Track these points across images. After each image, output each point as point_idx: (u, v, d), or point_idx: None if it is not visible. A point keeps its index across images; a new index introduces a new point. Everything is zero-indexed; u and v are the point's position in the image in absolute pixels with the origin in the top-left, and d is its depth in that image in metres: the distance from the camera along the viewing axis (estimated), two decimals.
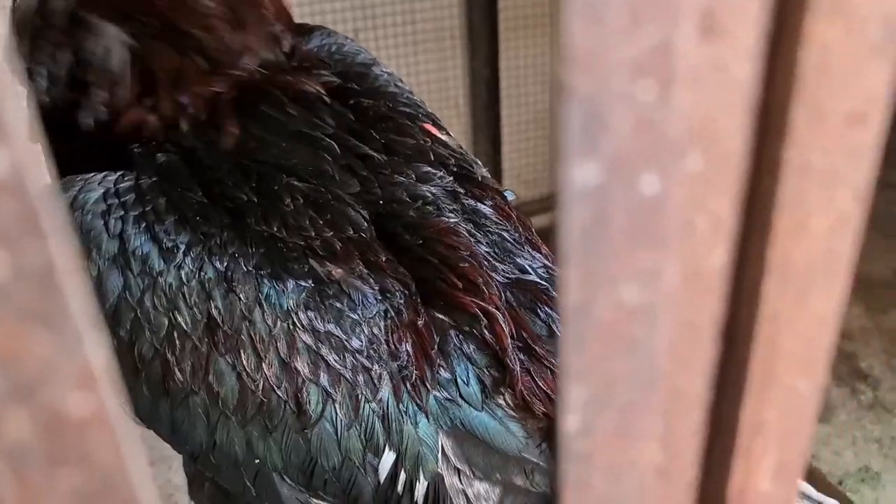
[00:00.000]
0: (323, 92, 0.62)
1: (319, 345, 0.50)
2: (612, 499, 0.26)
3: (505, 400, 0.52)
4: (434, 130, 0.68)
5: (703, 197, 0.24)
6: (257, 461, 0.52)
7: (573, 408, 0.24)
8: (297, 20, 0.77)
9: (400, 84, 0.73)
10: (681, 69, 0.22)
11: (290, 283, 0.50)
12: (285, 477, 0.52)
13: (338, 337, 0.50)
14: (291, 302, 0.50)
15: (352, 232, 0.54)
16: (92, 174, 0.55)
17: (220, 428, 0.52)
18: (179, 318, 0.50)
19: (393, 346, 0.51)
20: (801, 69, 0.24)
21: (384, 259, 0.53)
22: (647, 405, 0.25)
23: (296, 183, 0.55)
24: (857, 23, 0.23)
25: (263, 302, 0.50)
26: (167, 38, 0.58)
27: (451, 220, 0.57)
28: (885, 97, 0.25)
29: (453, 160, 0.63)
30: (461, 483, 0.50)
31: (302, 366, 0.50)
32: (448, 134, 0.69)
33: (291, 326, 0.50)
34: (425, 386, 0.50)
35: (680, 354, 0.26)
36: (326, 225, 0.54)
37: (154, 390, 0.52)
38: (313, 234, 0.53)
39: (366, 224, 0.55)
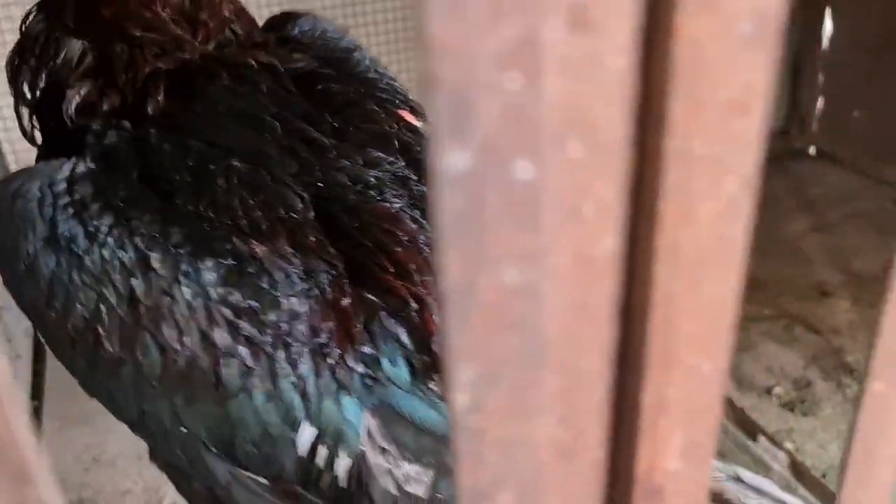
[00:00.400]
0: (276, 63, 0.65)
1: (238, 320, 0.52)
2: (509, 475, 0.28)
3: (439, 384, 0.54)
4: (409, 117, 0.70)
5: (588, 184, 0.26)
6: (183, 430, 0.55)
7: (461, 386, 0.25)
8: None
9: (381, 70, 0.76)
10: (549, 61, 0.23)
11: (210, 261, 0.53)
12: (210, 447, 0.55)
13: (257, 313, 0.52)
14: (211, 278, 0.53)
15: (283, 212, 0.56)
16: (33, 166, 0.59)
17: (148, 397, 0.56)
18: (105, 293, 0.54)
19: (315, 324, 0.53)
20: (675, 61, 0.25)
21: (314, 240, 0.55)
22: (539, 383, 0.26)
23: (233, 163, 0.58)
24: (727, 18, 0.25)
25: (182, 278, 0.53)
26: (120, 39, 0.62)
27: (395, 206, 0.59)
28: (765, 88, 0.26)
29: (420, 147, 0.65)
30: (387, 463, 0.52)
31: (221, 339, 0.52)
32: (427, 121, 0.70)
33: (210, 302, 0.53)
34: (347, 364, 0.52)
35: (575, 334, 0.28)
36: (258, 205, 0.56)
37: (89, 360, 0.56)
38: (241, 213, 0.55)
39: (301, 205, 0.57)
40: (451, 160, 0.23)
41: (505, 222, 0.24)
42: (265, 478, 0.54)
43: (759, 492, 0.51)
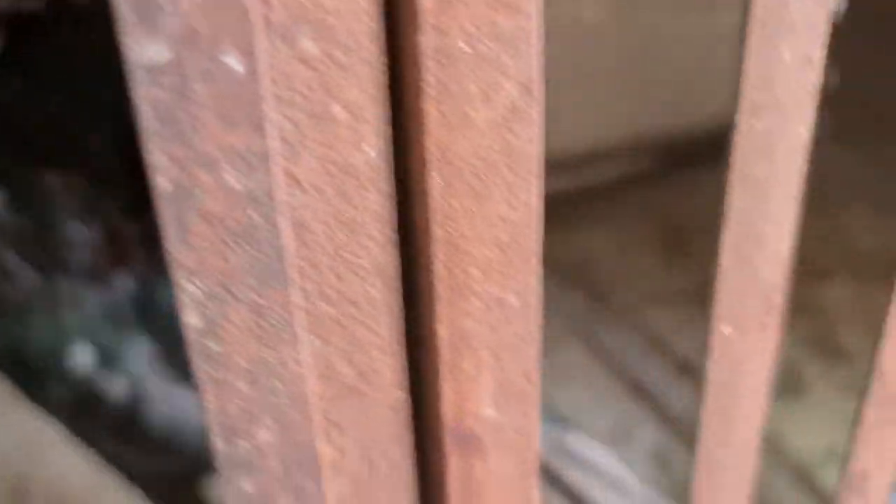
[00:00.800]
0: None
1: (23, 242, 0.54)
2: (267, 409, 0.27)
3: None
4: None
5: (331, 83, 0.25)
6: None
7: (190, 304, 0.25)
8: None
9: None
10: None
11: None
12: (7, 366, 0.58)
13: (40, 236, 0.55)
14: None
15: (82, 143, 0.58)
16: None
17: None
18: None
19: (95, 250, 0.55)
20: None
21: (108, 168, 0.57)
22: (287, 305, 0.26)
23: (45, 99, 0.59)
24: None
25: None
26: None
27: None
28: None
29: None
30: (167, 385, 0.54)
31: (7, 261, 0.54)
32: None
33: None
34: (128, 289, 0.54)
35: (336, 253, 0.27)
36: (58, 136, 0.58)
37: None
38: (39, 144, 0.57)
39: (103, 137, 0.58)
40: (145, 51, 0.22)
41: (220, 120, 0.23)
42: (55, 395, 0.57)
43: (583, 462, 0.50)
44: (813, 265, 1.46)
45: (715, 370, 0.36)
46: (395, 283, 0.29)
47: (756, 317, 0.35)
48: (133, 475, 0.55)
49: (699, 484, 0.39)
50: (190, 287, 0.25)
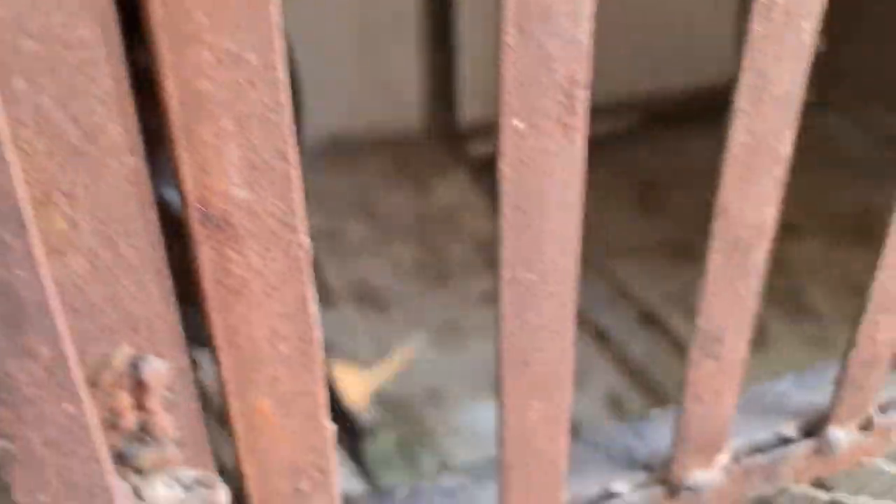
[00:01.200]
0: None
1: None
2: None
3: None
4: None
5: None
6: None
7: None
8: None
9: None
10: None
11: None
12: None
13: None
14: None
15: None
16: None
17: None
18: None
19: None
20: None
21: None
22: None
23: None
24: None
25: None
26: None
27: None
28: None
29: None
30: None
31: None
32: None
33: None
34: None
35: None
36: None
37: None
38: None
39: None
40: None
41: None
42: None
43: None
44: (783, 222, 1.45)
45: (510, 173, 0.34)
46: (112, 23, 0.27)
47: (554, 115, 0.34)
48: None
49: (507, 321, 0.37)
50: None
